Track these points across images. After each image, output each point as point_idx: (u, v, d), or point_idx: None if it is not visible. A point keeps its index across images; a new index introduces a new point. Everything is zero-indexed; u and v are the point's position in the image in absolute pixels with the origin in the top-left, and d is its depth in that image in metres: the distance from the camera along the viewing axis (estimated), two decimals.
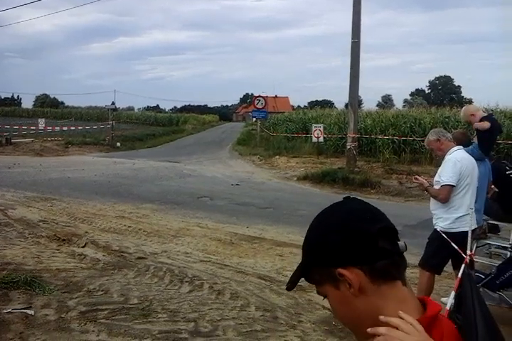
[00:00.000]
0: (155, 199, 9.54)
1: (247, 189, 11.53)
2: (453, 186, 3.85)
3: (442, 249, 4.00)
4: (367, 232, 0.84)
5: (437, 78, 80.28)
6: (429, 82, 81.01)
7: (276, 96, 66.89)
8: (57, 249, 5.70)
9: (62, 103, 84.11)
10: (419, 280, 4.19)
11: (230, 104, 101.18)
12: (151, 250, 5.89)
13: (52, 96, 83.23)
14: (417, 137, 15.90)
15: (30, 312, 3.74)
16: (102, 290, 4.34)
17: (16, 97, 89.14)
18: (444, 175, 3.89)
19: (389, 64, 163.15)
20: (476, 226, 4.06)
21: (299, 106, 66.51)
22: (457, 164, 3.87)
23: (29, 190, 10.09)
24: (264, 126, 26.83)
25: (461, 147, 4.12)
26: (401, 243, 0.87)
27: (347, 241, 0.84)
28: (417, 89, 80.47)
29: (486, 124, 5.11)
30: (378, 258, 0.83)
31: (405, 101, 71.35)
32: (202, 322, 3.77)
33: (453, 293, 3.46)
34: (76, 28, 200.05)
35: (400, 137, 16.09)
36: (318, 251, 0.88)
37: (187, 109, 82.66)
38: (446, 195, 3.89)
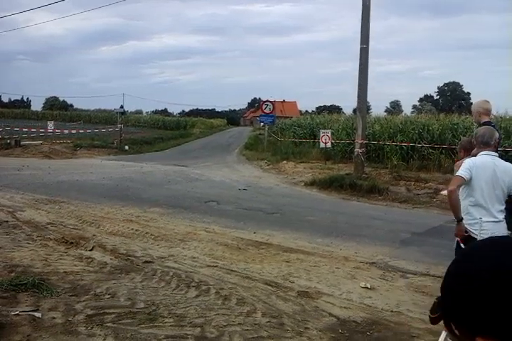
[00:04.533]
0: (162, 203, 9.55)
1: (254, 194, 11.53)
2: (463, 178, 3.76)
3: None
4: None
5: (446, 84, 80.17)
6: (438, 88, 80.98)
7: (284, 100, 66.92)
8: (65, 252, 5.72)
9: (72, 106, 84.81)
10: None
11: (237, 109, 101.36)
12: (158, 254, 5.90)
13: (61, 99, 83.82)
14: (425, 143, 15.84)
15: (37, 314, 3.75)
16: (109, 294, 4.35)
17: (25, 99, 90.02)
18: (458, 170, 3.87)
19: (398, 70, 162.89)
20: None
21: (306, 111, 66.54)
22: (470, 163, 3.83)
23: (38, 193, 10.15)
24: (272, 130, 26.85)
25: (490, 153, 3.90)
26: None
27: (495, 303, 0.68)
28: (425, 95, 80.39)
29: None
30: None
31: (414, 107, 71.44)
32: (208, 327, 3.76)
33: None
34: (86, 32, 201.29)
35: (409, 143, 16.02)
36: (459, 309, 0.73)
37: (195, 113, 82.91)
38: (453, 184, 3.82)
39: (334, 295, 4.75)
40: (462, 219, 3.85)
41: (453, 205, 3.85)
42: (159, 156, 22.37)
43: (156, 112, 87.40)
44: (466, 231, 3.85)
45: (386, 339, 3.81)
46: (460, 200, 3.87)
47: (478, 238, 3.66)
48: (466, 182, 3.83)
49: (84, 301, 4.13)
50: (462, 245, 3.75)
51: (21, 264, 5.06)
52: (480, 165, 3.82)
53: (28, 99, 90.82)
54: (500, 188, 3.79)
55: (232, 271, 5.39)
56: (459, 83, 78.77)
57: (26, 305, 3.93)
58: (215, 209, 9.33)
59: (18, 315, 3.70)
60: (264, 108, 24.94)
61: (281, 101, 62.25)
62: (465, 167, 3.83)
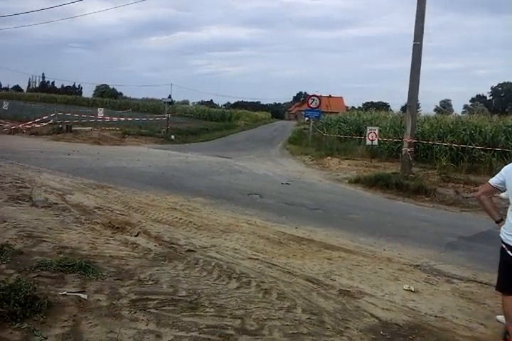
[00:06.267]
0: (206, 194, 9.64)
1: (297, 189, 11.47)
2: (490, 184, 3.81)
3: (499, 264, 3.81)
4: None
5: (500, 85, 77.41)
6: (492, 88, 78.26)
7: (330, 95, 66.08)
8: (111, 237, 5.85)
9: (121, 94, 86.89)
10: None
11: (282, 102, 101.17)
12: (201, 243, 5.95)
13: (111, 87, 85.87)
14: (476, 145, 15.32)
15: (83, 296, 3.84)
16: (152, 280, 4.41)
17: (77, 86, 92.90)
18: None
19: (450, 68, 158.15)
20: None
21: (353, 107, 65.66)
22: (505, 167, 3.78)
23: (86, 177, 10.44)
24: (317, 125, 26.61)
25: None
26: None
27: None
28: (478, 95, 77.85)
29: None
30: None
31: (465, 107, 69.28)
32: (248, 320, 3.76)
33: None
34: (138, 22, 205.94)
35: (459, 144, 15.54)
36: None
37: (240, 105, 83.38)
38: (480, 190, 3.98)
39: (376, 296, 4.66)
40: (501, 219, 3.83)
41: (484, 209, 3.97)
42: (204, 147, 22.59)
43: (202, 103, 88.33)
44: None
45: None
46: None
47: None
48: (504, 188, 3.75)
49: (128, 286, 4.20)
50: (509, 252, 3.59)
51: (69, 246, 5.21)
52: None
53: (79, 85, 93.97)
54: None
55: (273, 264, 5.37)
56: None
57: (73, 287, 4.03)
58: (257, 202, 9.33)
59: (65, 295, 3.81)
60: (310, 102, 24.70)
61: (328, 96, 61.51)
62: (499, 172, 3.81)
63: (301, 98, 75.19)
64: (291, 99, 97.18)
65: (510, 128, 16.30)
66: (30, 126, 23.28)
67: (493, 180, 3.80)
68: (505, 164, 3.94)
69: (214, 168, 14.48)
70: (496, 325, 4.15)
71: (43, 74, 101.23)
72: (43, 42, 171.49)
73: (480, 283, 5.31)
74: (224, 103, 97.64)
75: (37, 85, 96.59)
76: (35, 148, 15.70)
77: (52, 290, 3.88)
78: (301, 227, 7.37)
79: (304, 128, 33.57)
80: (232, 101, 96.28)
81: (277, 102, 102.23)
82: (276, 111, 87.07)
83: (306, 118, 28.91)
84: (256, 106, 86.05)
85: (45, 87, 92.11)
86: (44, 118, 24.79)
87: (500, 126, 16.64)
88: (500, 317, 4.08)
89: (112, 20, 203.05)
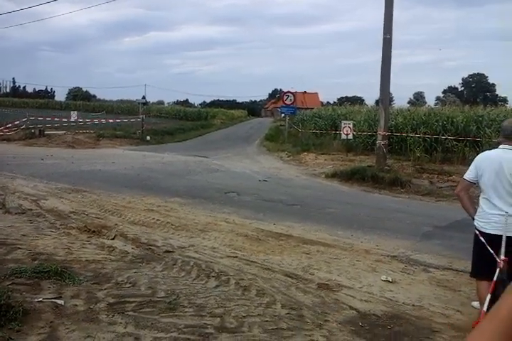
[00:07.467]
0: (183, 194, 9.60)
1: (274, 185, 11.51)
2: (466, 180, 3.85)
3: (473, 250, 3.89)
4: None
5: (471, 76, 78.79)
6: (463, 79, 79.64)
7: (305, 92, 66.20)
8: (88, 241, 5.79)
9: (94, 96, 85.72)
10: None
11: (258, 100, 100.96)
12: (179, 244, 5.93)
13: (84, 90, 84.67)
14: (449, 136, 15.58)
15: (60, 302, 3.80)
16: (130, 283, 4.39)
17: (49, 90, 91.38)
18: None
19: (421, 60, 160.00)
20: None
21: (328, 102, 66.03)
22: (476, 159, 3.84)
23: (61, 182, 10.29)
24: (293, 122, 26.68)
25: (507, 147, 3.69)
26: None
27: None
28: (449, 87, 79.09)
29: None
30: None
31: (437, 98, 70.34)
32: (228, 317, 3.77)
33: (489, 296, 3.33)
34: (109, 23, 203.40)
35: (432, 135, 15.78)
36: None
37: (216, 103, 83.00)
38: (458, 187, 4.03)
39: (355, 288, 4.71)
40: None
41: (463, 206, 3.97)
42: (180, 147, 22.44)
43: (177, 103, 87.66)
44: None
45: (407, 334, 3.76)
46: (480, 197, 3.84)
47: (488, 231, 3.60)
48: (478, 180, 3.78)
49: (105, 289, 4.17)
50: (482, 238, 3.66)
51: (45, 252, 5.14)
52: (484, 159, 3.77)
53: (51, 89, 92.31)
54: (507, 181, 3.61)
55: (251, 261, 5.38)
56: (483, 74, 77.38)
57: (49, 293, 3.99)
58: (235, 200, 9.33)
59: (41, 302, 3.76)
60: (285, 99, 24.75)
61: (303, 92, 61.63)
62: (471, 166, 3.87)
63: (276, 95, 75.18)
64: (267, 96, 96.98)
65: (480, 118, 16.62)
66: (2, 133, 22.80)
67: (467, 175, 3.83)
68: (477, 153, 4.00)
69: (191, 167, 14.42)
70: (471, 311, 4.23)
71: (13, 78, 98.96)
72: (13, 45, 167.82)
73: (455, 270, 5.41)
74: (200, 102, 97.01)
75: (7, 90, 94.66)
76: (7, 154, 15.39)
77: (28, 297, 3.82)
78: (279, 223, 7.39)
79: (281, 125, 33.60)
80: (208, 100, 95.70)
81: (253, 100, 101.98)
82: (253, 109, 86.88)
83: (282, 115, 28.97)
84: (232, 104, 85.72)
85: (16, 91, 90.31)
86: (16, 123, 24.27)
87: (472, 116, 16.95)
88: (476, 304, 4.17)
89: (84, 22, 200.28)
